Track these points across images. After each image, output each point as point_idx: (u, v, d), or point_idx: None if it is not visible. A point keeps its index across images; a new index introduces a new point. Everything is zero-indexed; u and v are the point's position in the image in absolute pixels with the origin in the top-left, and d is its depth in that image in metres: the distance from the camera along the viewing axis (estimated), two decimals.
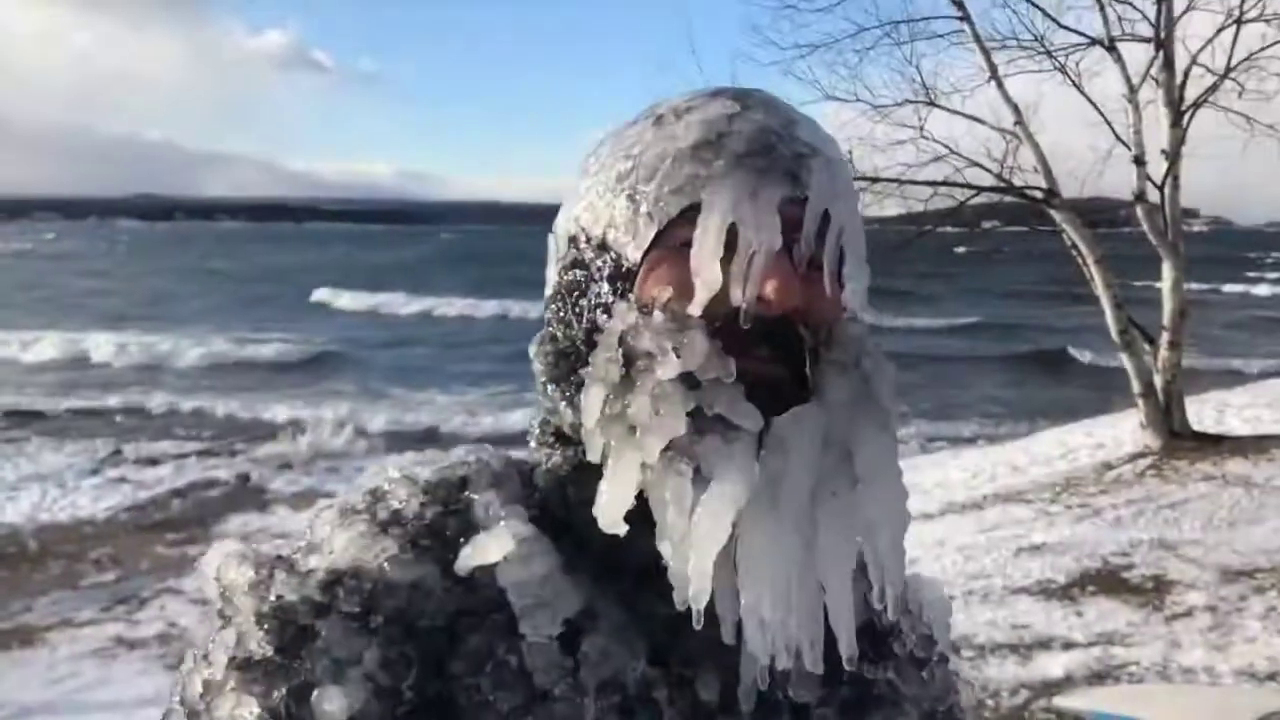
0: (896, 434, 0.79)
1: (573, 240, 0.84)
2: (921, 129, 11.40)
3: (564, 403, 0.81)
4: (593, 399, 0.75)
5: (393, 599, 0.72)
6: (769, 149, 0.77)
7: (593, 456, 0.74)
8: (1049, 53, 11.18)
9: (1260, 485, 8.46)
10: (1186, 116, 10.65)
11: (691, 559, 0.69)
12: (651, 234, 0.78)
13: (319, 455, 15.51)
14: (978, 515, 9.04)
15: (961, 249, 13.43)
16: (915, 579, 0.97)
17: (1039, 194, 11.03)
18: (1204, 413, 11.87)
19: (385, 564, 0.73)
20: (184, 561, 9.77)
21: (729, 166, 0.76)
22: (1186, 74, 10.66)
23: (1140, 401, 10.63)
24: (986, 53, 11.20)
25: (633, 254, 0.79)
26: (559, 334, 0.83)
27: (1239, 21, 10.45)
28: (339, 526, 0.77)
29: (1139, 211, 10.69)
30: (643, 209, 0.78)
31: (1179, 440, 10.35)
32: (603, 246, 0.81)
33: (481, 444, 0.88)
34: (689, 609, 0.69)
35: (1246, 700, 4.37)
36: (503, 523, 0.76)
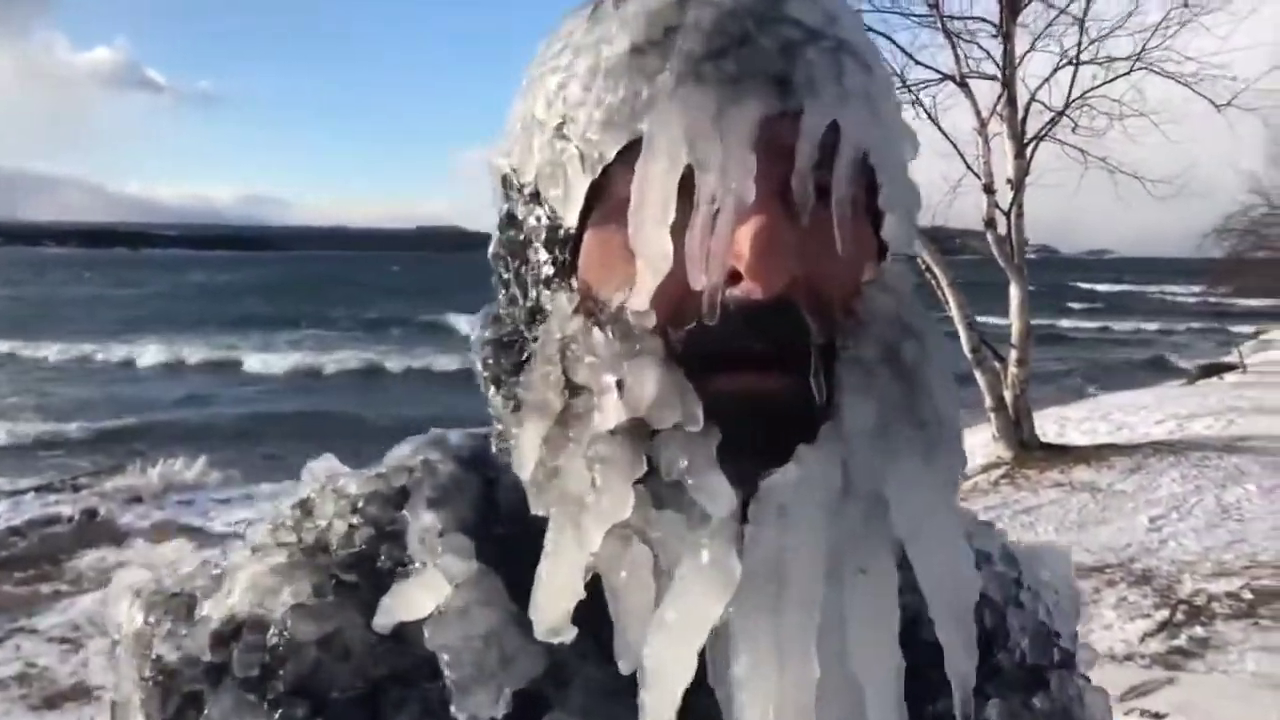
0: (957, 454, 0.55)
1: (505, 183, 0.62)
2: None
3: (509, 413, 0.60)
4: (528, 439, 0.54)
5: (296, 662, 0.54)
6: (742, 41, 0.52)
7: (537, 510, 0.53)
8: (906, 86, 11.80)
9: (1104, 490, 9.10)
10: (1029, 149, 11.43)
11: (647, 696, 0.50)
12: (584, 186, 0.55)
13: (170, 488, 14.78)
14: None
15: None
16: (1032, 551, 0.74)
17: None
18: (1046, 426, 12.60)
19: (290, 614, 0.55)
20: (36, 599, 9.13)
21: (679, 79, 0.52)
22: (1027, 109, 11.46)
23: (992, 415, 11.24)
24: None
25: (568, 214, 0.57)
26: (502, 313, 0.63)
27: (1074, 63, 11.36)
28: (254, 555, 0.59)
29: (989, 237, 11.37)
30: (571, 149, 0.56)
31: (1028, 451, 11.01)
32: (535, 198, 0.59)
33: (442, 434, 0.67)
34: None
35: (1109, 678, 4.75)
36: (434, 563, 0.56)
